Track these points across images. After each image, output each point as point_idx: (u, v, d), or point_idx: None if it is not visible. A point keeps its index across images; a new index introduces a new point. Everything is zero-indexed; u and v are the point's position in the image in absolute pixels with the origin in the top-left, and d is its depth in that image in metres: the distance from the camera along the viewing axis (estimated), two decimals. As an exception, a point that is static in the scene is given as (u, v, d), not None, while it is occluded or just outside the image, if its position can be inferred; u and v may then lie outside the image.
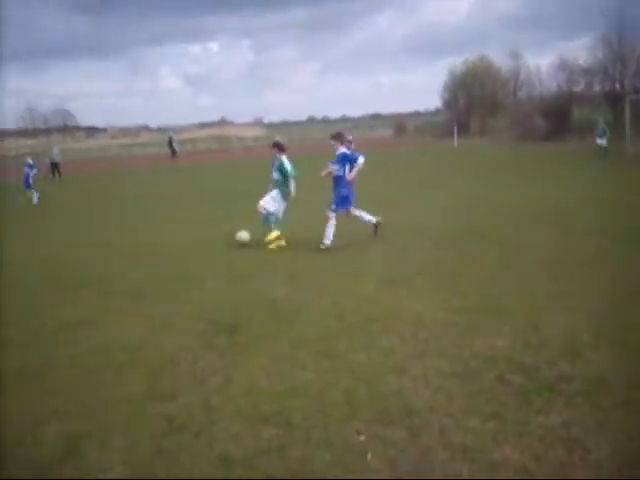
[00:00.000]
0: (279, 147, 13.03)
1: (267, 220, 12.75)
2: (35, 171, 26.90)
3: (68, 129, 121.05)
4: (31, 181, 26.38)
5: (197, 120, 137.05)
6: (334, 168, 12.17)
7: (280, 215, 12.80)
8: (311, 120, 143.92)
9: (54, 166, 43.60)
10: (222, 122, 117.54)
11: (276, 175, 12.74)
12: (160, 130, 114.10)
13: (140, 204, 23.76)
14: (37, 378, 6.42)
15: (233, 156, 56.72)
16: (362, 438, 4.76)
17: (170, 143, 59.23)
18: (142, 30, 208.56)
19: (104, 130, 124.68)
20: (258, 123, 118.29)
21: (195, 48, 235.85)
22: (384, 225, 13.12)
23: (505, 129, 55.81)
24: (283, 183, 12.70)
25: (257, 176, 28.05)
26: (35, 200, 25.84)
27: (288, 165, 12.68)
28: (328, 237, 11.92)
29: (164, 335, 7.47)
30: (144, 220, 18.60)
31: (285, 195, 12.74)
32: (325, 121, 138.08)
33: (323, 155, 26.49)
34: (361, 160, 12.05)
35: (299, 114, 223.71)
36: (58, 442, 5.05)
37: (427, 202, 18.33)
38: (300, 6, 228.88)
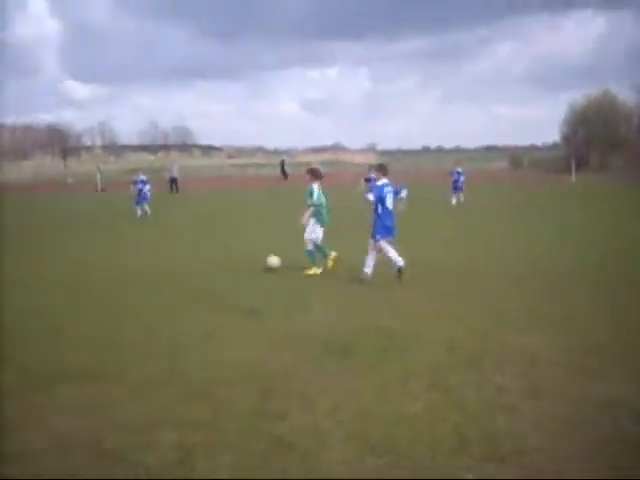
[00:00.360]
0: (314, 174, 13.35)
1: (310, 253, 13.13)
2: (148, 187, 27.39)
3: (186, 147, 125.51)
4: (146, 195, 27.18)
5: (311, 144, 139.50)
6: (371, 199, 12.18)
7: (319, 241, 13.10)
8: (426, 150, 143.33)
9: (173, 181, 45.39)
10: (336, 147, 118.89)
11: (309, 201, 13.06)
12: (275, 152, 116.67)
13: (251, 222, 24.30)
14: (154, 387, 6.68)
15: (344, 180, 57.11)
16: (470, 477, 4.71)
17: (282, 166, 60.46)
18: (266, 55, 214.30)
19: (220, 149, 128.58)
20: (372, 150, 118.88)
21: (314, 73, 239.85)
22: (494, 258, 12.93)
23: (626, 166, 53.85)
24: (318, 211, 12.99)
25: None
26: (139, 214, 26.79)
27: (316, 194, 12.93)
28: (369, 265, 11.91)
29: (277, 354, 7.63)
30: (253, 238, 18.99)
31: (320, 221, 13.05)
32: (439, 151, 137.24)
33: (436, 185, 26.62)
34: (404, 192, 12.47)
35: (413, 143, 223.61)
36: (171, 450, 5.24)
37: (545, 236, 17.89)
38: (420, 36, 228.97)
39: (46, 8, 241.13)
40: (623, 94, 68.41)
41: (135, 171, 32.34)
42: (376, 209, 11.96)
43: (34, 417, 5.99)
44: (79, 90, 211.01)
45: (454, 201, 29.02)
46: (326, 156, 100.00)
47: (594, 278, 11.71)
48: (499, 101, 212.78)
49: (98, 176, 50.82)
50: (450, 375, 6.73)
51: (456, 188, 29.41)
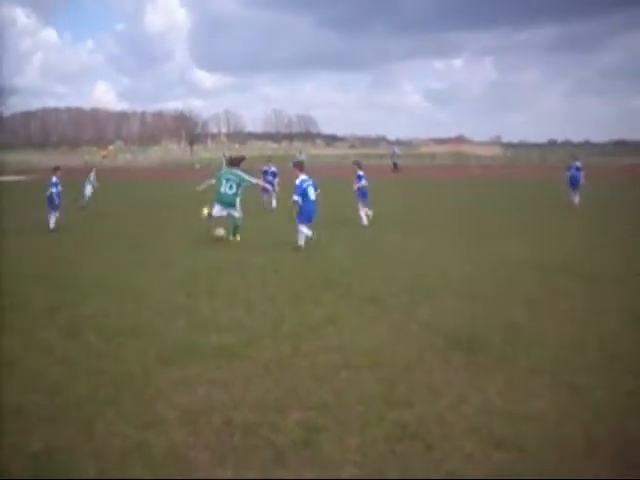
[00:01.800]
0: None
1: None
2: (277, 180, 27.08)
3: (310, 136, 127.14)
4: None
5: (435, 135, 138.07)
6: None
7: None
8: (552, 143, 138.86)
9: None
10: (459, 139, 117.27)
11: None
12: (397, 142, 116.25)
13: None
14: (281, 368, 6.87)
15: (469, 174, 56.26)
16: None
17: (393, 157, 60.30)
18: (391, 45, 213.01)
19: (343, 139, 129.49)
20: (496, 142, 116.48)
21: (439, 64, 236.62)
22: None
23: None
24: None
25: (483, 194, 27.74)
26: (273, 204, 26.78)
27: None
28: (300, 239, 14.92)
29: (401, 343, 7.68)
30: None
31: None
32: (567, 144, 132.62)
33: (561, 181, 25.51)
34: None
35: (539, 136, 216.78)
36: (297, 431, 5.40)
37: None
38: (548, 25, 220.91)
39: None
40: None
41: (263, 159, 32.50)
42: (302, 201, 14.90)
43: (167, 390, 6.32)
44: (206, 79, 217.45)
45: (576, 200, 25.27)
46: (450, 147, 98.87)
47: None
48: (632, 94, 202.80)
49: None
50: (578, 375, 6.58)
51: (574, 186, 25.47)
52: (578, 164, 26.27)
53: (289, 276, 11.81)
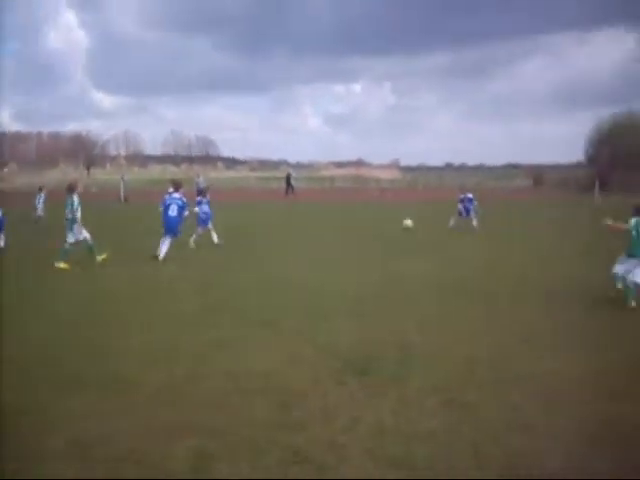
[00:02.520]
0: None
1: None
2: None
3: (210, 159, 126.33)
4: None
5: (335, 158, 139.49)
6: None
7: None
8: (449, 166, 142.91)
9: (200, 193, 45.52)
10: (359, 162, 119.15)
11: None
12: (298, 165, 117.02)
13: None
14: (174, 394, 6.72)
15: (368, 197, 57.17)
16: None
17: (288, 180, 60.17)
18: (292, 69, 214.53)
19: (244, 162, 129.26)
20: (395, 165, 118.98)
21: (339, 88, 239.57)
22: (524, 277, 12.86)
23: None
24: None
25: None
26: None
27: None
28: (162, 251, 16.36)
29: (296, 366, 7.64)
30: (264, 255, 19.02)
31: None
32: (462, 168, 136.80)
33: (451, 203, 26.25)
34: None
35: (436, 159, 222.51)
36: (188, 457, 5.27)
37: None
38: (444, 52, 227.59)
39: (75, 20, 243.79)
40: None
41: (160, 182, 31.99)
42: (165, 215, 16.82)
43: (57, 421, 6.06)
44: (105, 100, 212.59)
45: (474, 223, 25.20)
46: (350, 171, 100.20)
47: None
48: (522, 118, 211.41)
49: (122, 185, 51.12)
50: (468, 393, 6.73)
51: (468, 215, 25.41)
52: (469, 195, 25.99)
53: (184, 298, 11.62)
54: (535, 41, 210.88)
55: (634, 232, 11.18)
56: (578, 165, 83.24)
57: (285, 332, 9.24)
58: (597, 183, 50.98)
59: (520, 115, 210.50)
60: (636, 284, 10.99)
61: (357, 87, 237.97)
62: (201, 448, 5.44)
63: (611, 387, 6.92)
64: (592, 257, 16.55)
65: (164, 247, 16.44)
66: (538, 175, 79.89)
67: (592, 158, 69.89)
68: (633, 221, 11.27)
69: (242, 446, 5.49)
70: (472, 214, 25.58)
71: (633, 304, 10.87)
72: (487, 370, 7.49)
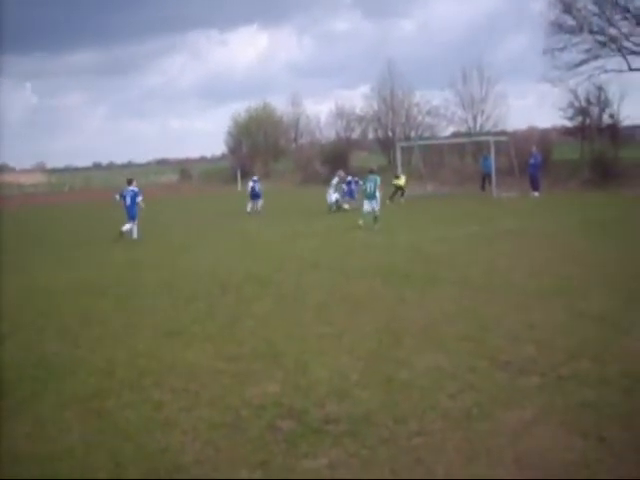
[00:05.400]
0: None
1: None
2: None
3: None
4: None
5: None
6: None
7: None
8: (97, 166, 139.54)
9: None
10: (2, 168, 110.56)
11: None
12: None
13: None
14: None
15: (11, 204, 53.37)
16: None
17: None
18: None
19: None
20: (40, 169, 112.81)
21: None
22: (169, 270, 12.93)
23: (289, 173, 57.34)
24: None
25: None
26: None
27: None
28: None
29: None
30: None
31: None
32: (111, 166, 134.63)
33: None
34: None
35: (84, 160, 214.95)
36: None
37: (212, 246, 18.26)
38: (89, 49, 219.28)
39: None
40: (282, 108, 72.31)
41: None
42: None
43: None
44: None
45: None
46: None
47: (268, 284, 12.19)
48: (170, 114, 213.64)
49: None
50: (109, 399, 6.55)
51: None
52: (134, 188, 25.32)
53: None
54: (180, 38, 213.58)
55: (369, 184, 20.60)
56: (222, 157, 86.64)
57: None
58: (239, 173, 53.49)
59: (168, 111, 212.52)
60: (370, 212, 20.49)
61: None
62: None
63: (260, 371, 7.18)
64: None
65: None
66: (185, 169, 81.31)
67: (233, 150, 72.97)
68: (369, 177, 20.82)
69: None
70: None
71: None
72: (127, 371, 7.36)
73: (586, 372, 6.61)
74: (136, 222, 20.83)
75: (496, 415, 5.72)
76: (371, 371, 6.95)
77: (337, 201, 27.72)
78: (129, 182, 21.56)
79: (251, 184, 29.64)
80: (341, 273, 12.80)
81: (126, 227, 20.67)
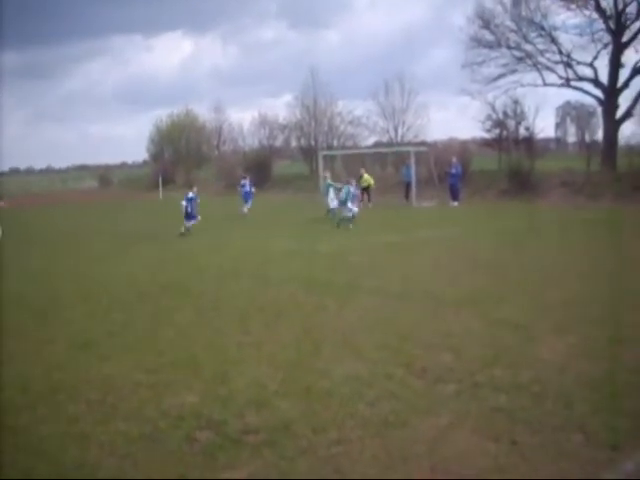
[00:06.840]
0: None
1: None
2: None
3: None
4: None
5: None
6: None
7: None
8: (14, 171, 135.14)
9: None
10: None
11: None
12: None
13: None
14: None
15: None
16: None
17: None
18: None
19: None
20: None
21: None
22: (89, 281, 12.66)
23: (212, 181, 56.93)
24: None
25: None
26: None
27: None
28: None
29: None
30: None
31: None
32: (29, 171, 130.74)
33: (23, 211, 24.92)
34: None
35: (2, 165, 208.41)
36: None
37: (133, 255, 17.93)
38: (7, 52, 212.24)
39: None
40: (205, 115, 71.77)
41: None
42: None
43: None
44: None
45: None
46: None
47: (188, 293, 12.05)
48: (91, 119, 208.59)
49: None
50: (21, 416, 6.35)
51: None
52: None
53: None
54: (103, 43, 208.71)
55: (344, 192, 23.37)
56: (144, 164, 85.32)
57: None
58: (160, 179, 52.83)
59: (89, 116, 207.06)
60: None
61: None
62: None
63: (182, 381, 7.11)
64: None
65: None
66: (105, 175, 79.69)
67: (155, 156, 72.01)
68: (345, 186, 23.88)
69: None
70: None
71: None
72: (42, 385, 7.16)
73: (500, 378, 6.82)
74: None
75: (413, 422, 5.84)
76: (290, 380, 6.98)
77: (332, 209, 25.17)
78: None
79: (242, 182, 30.63)
80: (262, 281, 12.80)
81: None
